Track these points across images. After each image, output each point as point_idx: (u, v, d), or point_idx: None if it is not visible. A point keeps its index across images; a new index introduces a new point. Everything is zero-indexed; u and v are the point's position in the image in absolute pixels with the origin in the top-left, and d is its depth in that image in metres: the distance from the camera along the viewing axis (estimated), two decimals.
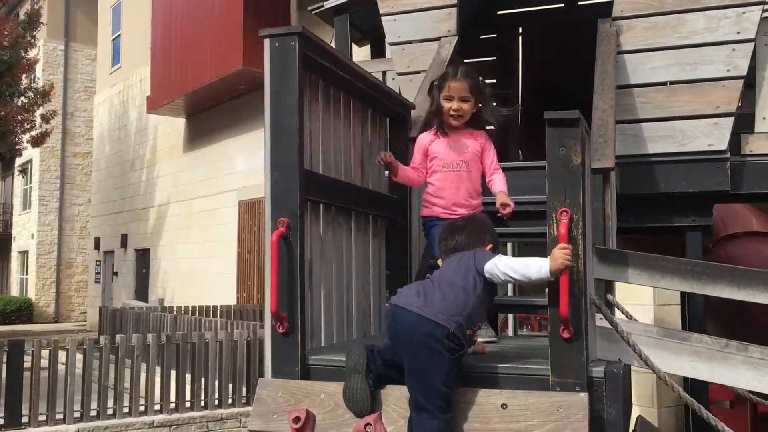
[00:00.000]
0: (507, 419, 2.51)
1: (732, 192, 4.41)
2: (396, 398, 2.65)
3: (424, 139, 3.69)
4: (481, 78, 3.68)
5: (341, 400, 2.70)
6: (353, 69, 3.47)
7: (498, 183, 3.63)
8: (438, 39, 4.92)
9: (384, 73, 5.50)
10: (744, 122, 4.48)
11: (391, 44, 5.09)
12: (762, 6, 4.36)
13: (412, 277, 4.15)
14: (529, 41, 6.58)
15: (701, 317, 4.37)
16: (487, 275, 2.67)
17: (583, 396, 2.48)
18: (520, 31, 6.61)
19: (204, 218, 17.36)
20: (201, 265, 17.26)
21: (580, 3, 6.33)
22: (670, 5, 4.49)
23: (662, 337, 2.82)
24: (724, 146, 4.35)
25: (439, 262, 3.06)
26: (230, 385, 7.99)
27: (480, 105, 3.59)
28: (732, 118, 4.35)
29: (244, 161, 15.63)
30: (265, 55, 2.99)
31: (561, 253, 2.51)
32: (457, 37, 4.91)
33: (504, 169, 3.85)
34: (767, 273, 2.69)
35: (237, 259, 15.59)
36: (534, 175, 4.72)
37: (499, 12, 6.42)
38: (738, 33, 4.36)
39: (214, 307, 13.67)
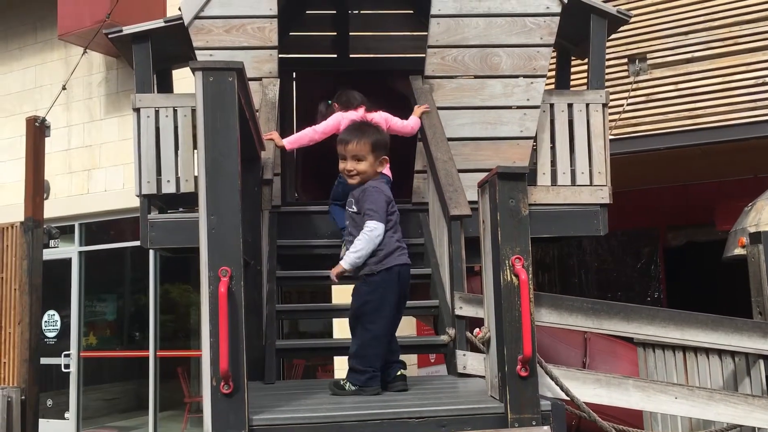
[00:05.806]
0: None
1: None
2: None
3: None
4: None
5: None
6: (253, 110, 3.32)
7: None
8: (260, 79, 4.85)
9: (175, 110, 5.12)
10: (530, 177, 5.17)
11: None
12: (544, 78, 5.13)
13: (264, 324, 4.02)
14: (303, 85, 6.75)
15: None
16: None
17: (547, 429, 2.71)
18: (294, 75, 6.75)
19: None
20: None
21: (351, 56, 6.69)
22: (473, 70, 5.05)
23: (566, 369, 3.18)
24: None
25: None
26: None
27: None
28: None
29: None
30: (197, 89, 2.74)
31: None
32: (278, 79, 4.90)
33: None
34: (649, 309, 3.22)
35: None
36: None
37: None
38: (528, 99, 5.07)
39: None
